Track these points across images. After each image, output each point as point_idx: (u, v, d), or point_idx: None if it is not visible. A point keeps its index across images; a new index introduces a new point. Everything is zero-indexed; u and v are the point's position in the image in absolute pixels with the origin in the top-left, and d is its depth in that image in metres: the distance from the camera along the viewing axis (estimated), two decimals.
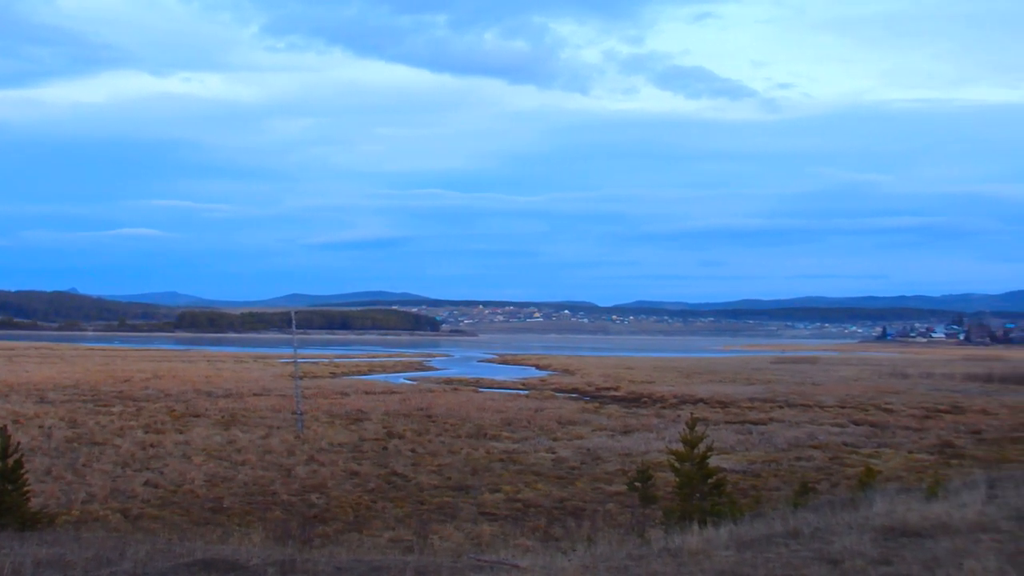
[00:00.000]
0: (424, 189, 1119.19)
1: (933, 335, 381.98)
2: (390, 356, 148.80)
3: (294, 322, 57.11)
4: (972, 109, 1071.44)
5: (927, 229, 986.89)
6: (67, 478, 29.64)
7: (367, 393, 65.86)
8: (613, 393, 72.41)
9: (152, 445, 37.10)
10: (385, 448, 38.32)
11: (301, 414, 44.72)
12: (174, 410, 50.78)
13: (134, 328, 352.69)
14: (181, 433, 40.90)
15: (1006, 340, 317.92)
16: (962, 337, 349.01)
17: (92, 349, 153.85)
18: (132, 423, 44.15)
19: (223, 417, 47.84)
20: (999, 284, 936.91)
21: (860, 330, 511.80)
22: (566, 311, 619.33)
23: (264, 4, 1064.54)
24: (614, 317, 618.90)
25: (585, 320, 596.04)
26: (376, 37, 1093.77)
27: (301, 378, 53.69)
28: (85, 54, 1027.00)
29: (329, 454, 36.18)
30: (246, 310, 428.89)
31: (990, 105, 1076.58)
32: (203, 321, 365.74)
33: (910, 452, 39.55)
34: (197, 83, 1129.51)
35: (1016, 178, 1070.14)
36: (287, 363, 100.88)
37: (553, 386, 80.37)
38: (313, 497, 27.95)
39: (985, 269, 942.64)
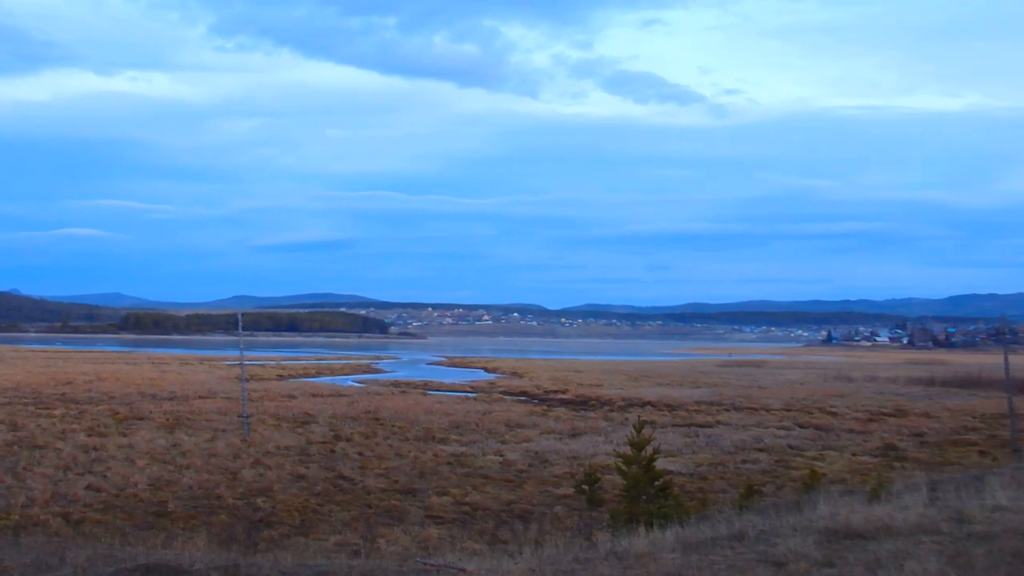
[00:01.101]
0: (373, 191, 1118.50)
1: (877, 339, 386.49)
2: (338, 358, 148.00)
3: (240, 324, 56.60)
4: (915, 117, 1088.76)
5: (871, 235, 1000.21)
6: (7, 482, 29.18)
7: (314, 396, 65.49)
8: (561, 396, 72.50)
9: (95, 448, 36.62)
10: (332, 451, 38.11)
11: (247, 417, 44.36)
12: (117, 413, 50.18)
13: (77, 330, 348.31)
14: (125, 436, 40.41)
15: (948, 344, 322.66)
16: (905, 341, 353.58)
17: (34, 351, 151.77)
18: (74, 426, 43.57)
19: (168, 420, 47.33)
20: (941, 289, 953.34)
21: (806, 334, 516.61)
22: (515, 314, 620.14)
23: (212, 4, 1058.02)
24: (563, 320, 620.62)
25: (534, 323, 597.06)
26: (325, 38, 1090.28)
27: (247, 380, 53.27)
28: (28, 52, 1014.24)
29: (275, 457, 35.91)
30: (191, 311, 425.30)
31: (932, 113, 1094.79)
32: (147, 323, 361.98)
33: (854, 455, 39.96)
34: (143, 82, 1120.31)
35: (957, 185, 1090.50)
36: (233, 365, 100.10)
37: (501, 389, 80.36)
38: (259, 501, 27.73)
39: (928, 274, 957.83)
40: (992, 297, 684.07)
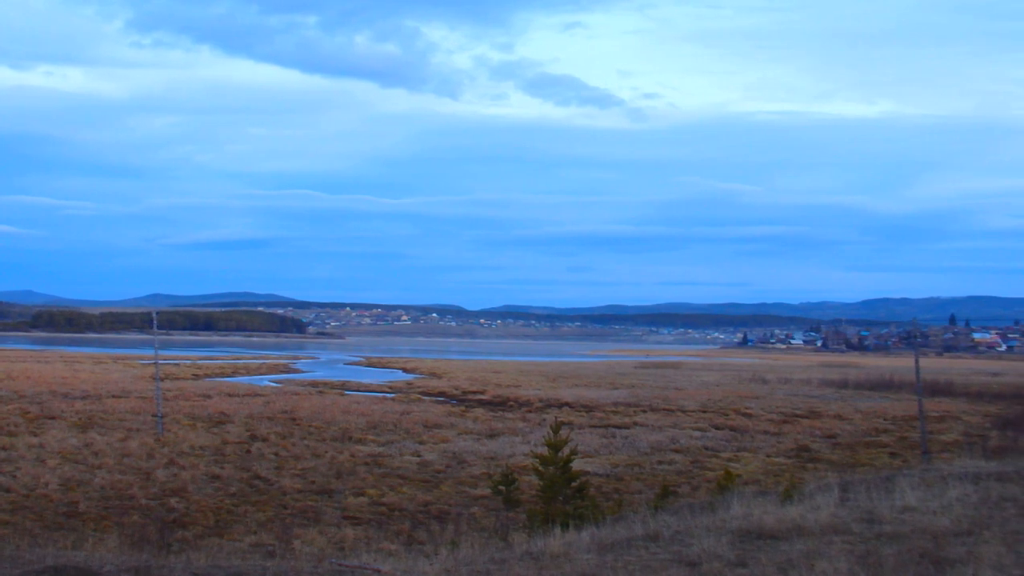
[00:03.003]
0: (293, 190, 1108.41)
1: (792, 341, 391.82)
2: (255, 358, 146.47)
3: (155, 322, 55.75)
4: (831, 123, 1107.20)
5: (787, 238, 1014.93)
6: None
7: (230, 395, 64.77)
8: (479, 397, 72.51)
9: (4, 448, 35.86)
10: (248, 451, 37.74)
11: (161, 416, 43.76)
12: (28, 412, 49.15)
13: None
14: (35, 436, 39.62)
15: (861, 347, 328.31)
16: (819, 344, 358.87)
17: None
18: None
19: (80, 419, 46.51)
20: (855, 293, 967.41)
21: (722, 336, 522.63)
22: (434, 314, 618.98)
23: None
24: (482, 321, 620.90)
25: (453, 324, 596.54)
26: (245, 36, 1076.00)
27: (162, 380, 52.53)
28: None
29: (190, 457, 35.48)
30: (106, 310, 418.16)
31: (848, 119, 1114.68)
32: (60, 320, 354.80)
33: (768, 456, 40.51)
34: (59, 77, 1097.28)
35: (871, 190, 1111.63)
36: (148, 364, 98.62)
37: (420, 389, 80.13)
38: (173, 501, 27.37)
39: (842, 278, 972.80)
40: (904, 301, 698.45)
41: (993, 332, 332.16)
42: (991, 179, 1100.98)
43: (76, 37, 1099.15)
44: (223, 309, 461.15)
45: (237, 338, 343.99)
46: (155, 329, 55.91)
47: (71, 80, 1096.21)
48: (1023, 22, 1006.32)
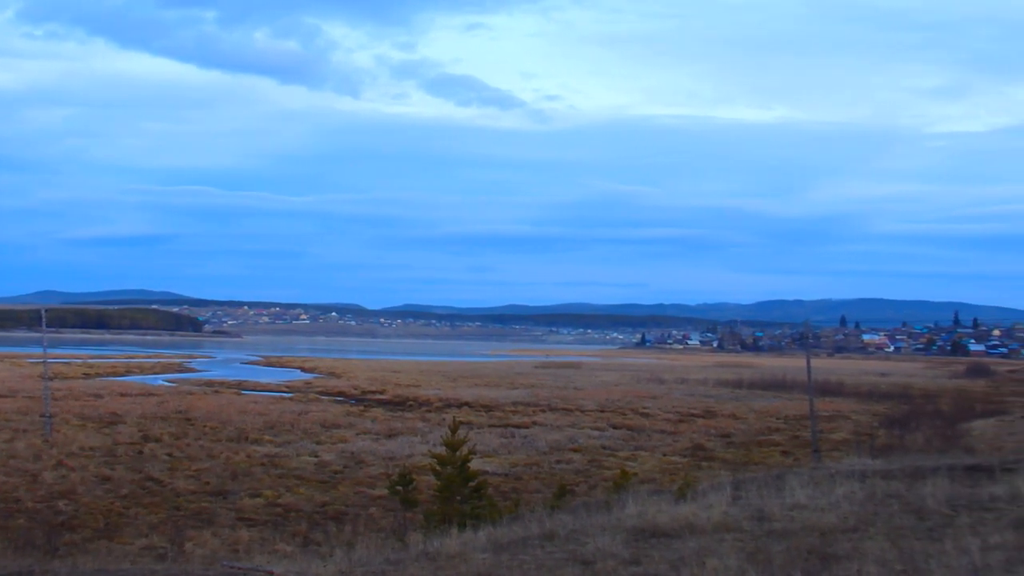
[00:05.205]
0: (189, 186, 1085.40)
1: (689, 342, 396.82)
2: (148, 357, 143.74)
3: (44, 320, 54.54)
4: (729, 128, 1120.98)
5: (685, 240, 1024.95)
6: None
7: (122, 395, 63.58)
8: (379, 396, 72.20)
9: None
10: (140, 452, 37.08)
11: (50, 417, 42.72)
12: None
13: None
14: None
15: (755, 347, 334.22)
16: (716, 344, 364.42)
17: None
18: None
19: None
20: (750, 294, 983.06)
21: (621, 336, 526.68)
22: (333, 313, 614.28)
23: None
24: (382, 320, 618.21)
25: (353, 323, 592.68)
26: (141, 30, 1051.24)
27: (51, 379, 51.33)
28: None
29: (79, 459, 34.72)
30: None
31: (745, 124, 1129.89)
32: None
33: (664, 455, 41.00)
34: None
35: (767, 194, 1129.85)
36: (36, 363, 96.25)
37: (318, 389, 79.55)
38: (61, 504, 26.75)
39: (738, 280, 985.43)
40: (798, 303, 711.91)
41: (882, 334, 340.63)
42: (881, 185, 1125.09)
43: None
44: (116, 307, 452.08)
45: (131, 336, 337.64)
46: (44, 327, 54.69)
47: None
48: (916, 33, 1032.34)
